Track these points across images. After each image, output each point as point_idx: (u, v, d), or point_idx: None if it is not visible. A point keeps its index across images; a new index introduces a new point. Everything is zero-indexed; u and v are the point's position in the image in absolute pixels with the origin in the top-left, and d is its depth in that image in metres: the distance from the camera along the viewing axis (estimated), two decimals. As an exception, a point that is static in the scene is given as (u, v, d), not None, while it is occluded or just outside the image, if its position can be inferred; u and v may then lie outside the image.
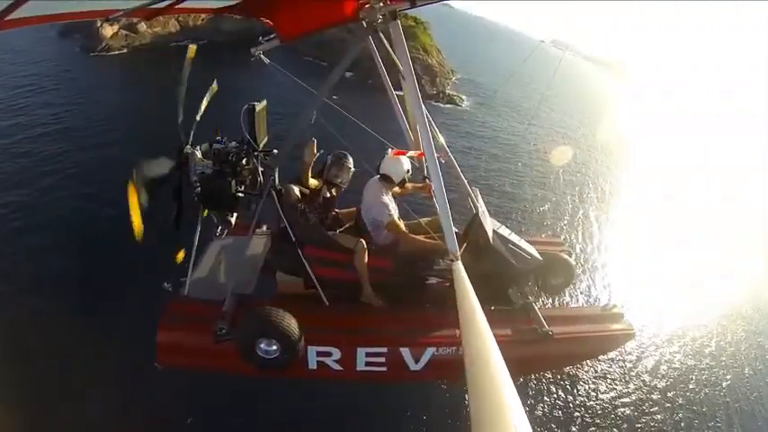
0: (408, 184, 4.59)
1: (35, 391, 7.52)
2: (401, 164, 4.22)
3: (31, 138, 16.21)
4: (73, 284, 10.02)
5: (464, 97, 33.49)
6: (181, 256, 3.95)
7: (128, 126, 18.20)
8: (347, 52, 3.67)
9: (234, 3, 3.34)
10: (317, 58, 30.89)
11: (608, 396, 9.85)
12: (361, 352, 3.73)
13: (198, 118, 3.86)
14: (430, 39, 34.46)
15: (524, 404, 1.09)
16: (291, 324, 3.43)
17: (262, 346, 3.49)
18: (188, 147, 3.74)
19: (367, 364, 3.77)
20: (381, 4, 3.33)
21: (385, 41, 3.83)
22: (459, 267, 2.52)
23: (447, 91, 32.99)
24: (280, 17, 3.53)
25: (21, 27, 2.32)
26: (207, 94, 4.00)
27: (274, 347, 3.48)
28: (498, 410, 1.11)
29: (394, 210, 4.12)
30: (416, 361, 3.76)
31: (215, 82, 4.09)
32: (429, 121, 3.58)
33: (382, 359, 3.76)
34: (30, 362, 7.96)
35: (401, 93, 4.26)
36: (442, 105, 30.65)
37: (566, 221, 18.67)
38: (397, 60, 3.58)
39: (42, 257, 10.67)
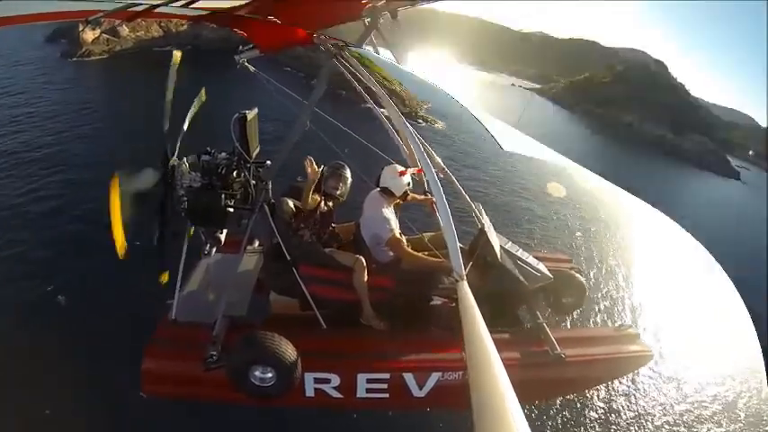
0: (409, 195, 4.37)
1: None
2: (401, 176, 4.02)
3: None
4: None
5: (438, 120, 33.21)
6: (165, 278, 3.66)
7: (84, 129, 18.45)
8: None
9: (210, 11, 3.19)
10: (294, 69, 32.00)
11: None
12: (361, 378, 3.51)
13: (185, 127, 3.63)
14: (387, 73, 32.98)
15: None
16: (288, 350, 3.21)
17: (256, 373, 3.27)
18: (174, 158, 3.48)
19: (368, 390, 3.55)
20: (383, 2, 3.26)
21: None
22: (465, 287, 2.35)
23: (420, 113, 33.18)
24: (280, 18, 3.34)
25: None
26: (195, 103, 3.80)
27: (269, 375, 3.26)
28: None
29: (395, 224, 3.90)
30: (421, 387, 3.55)
31: (203, 90, 3.88)
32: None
33: (384, 385, 3.55)
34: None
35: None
36: (415, 123, 30.16)
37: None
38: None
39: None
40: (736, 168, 67.64)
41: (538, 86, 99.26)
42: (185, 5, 2.82)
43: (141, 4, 2.39)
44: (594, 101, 78.20)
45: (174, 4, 2.65)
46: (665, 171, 47.13)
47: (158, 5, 2.41)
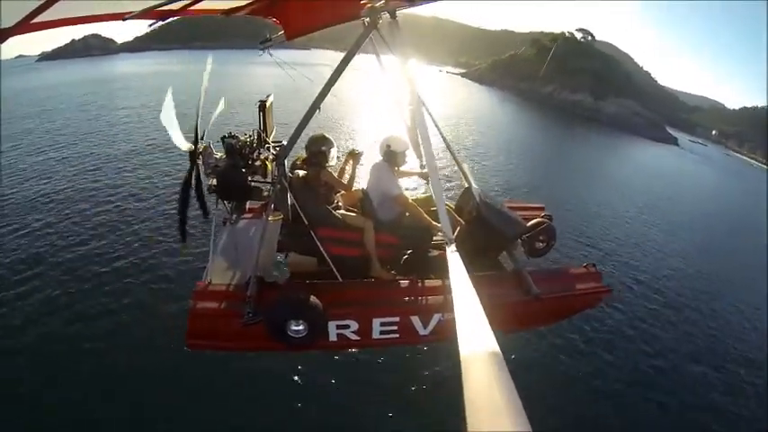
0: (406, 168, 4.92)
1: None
2: (400, 137, 4.55)
3: None
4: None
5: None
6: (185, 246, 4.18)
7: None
8: (351, 48, 3.86)
9: (244, 3, 3.61)
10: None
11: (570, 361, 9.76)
12: (376, 322, 4.04)
13: (213, 119, 4.11)
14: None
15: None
16: (316, 304, 3.76)
17: (291, 326, 3.80)
18: (201, 142, 3.94)
19: (381, 332, 4.09)
20: (382, 2, 3.63)
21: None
22: (453, 251, 2.40)
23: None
24: (287, 17, 3.80)
25: (43, 30, 2.48)
26: (220, 103, 4.33)
27: (301, 327, 3.81)
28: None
29: (400, 185, 4.42)
30: (425, 326, 4.10)
31: (223, 100, 4.42)
32: (428, 112, 3.96)
33: (395, 327, 4.09)
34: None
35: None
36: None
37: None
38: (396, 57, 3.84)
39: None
40: (673, 135, 72.61)
41: (463, 71, 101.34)
42: (188, 5, 3.24)
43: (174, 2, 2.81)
44: (519, 76, 79.73)
45: (175, 5, 3.07)
46: (590, 136, 50.43)
47: (160, 5, 2.82)
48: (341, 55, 3.94)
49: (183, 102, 4.03)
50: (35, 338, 7.96)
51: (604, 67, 79.22)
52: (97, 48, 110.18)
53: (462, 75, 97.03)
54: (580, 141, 45.54)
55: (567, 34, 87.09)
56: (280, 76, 4.94)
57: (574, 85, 71.69)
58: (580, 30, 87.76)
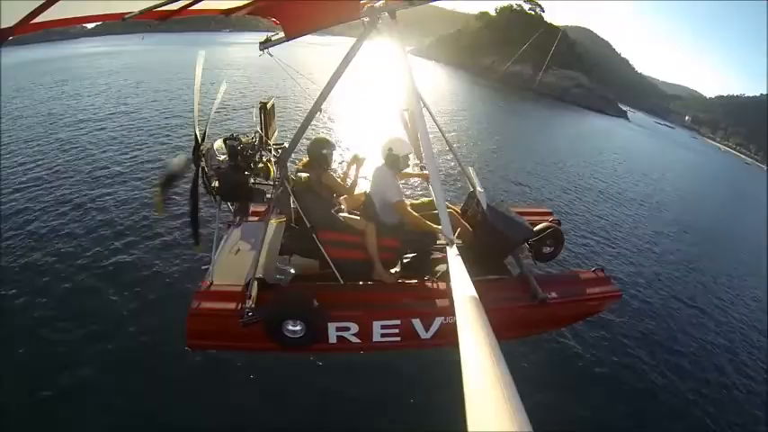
0: (408, 170, 4.87)
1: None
2: (402, 140, 4.51)
3: None
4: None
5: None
6: (198, 249, 4.19)
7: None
8: (351, 50, 3.83)
9: (244, 3, 3.61)
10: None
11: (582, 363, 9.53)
12: (376, 325, 4.00)
13: (212, 115, 4.07)
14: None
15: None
16: (313, 305, 3.75)
17: (288, 327, 3.80)
18: (204, 144, 3.95)
19: (382, 335, 4.04)
20: (382, 2, 3.60)
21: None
22: (454, 252, 2.38)
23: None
24: (287, 17, 3.78)
25: (42, 30, 2.50)
26: (219, 92, 4.23)
27: (299, 327, 3.81)
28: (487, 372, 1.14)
29: (401, 191, 4.37)
30: (427, 330, 4.04)
31: (224, 81, 4.34)
32: (428, 111, 3.87)
33: (396, 330, 4.04)
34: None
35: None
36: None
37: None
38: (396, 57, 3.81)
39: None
40: (622, 109, 76.94)
41: (411, 47, 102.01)
42: (188, 5, 3.24)
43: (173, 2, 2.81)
44: (462, 50, 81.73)
45: (175, 5, 3.06)
46: (538, 110, 52.09)
47: (160, 5, 2.81)
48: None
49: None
50: (34, 331, 7.93)
51: (549, 40, 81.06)
52: (56, 33, 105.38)
53: (410, 51, 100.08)
54: (509, 109, 47.19)
55: (515, 6, 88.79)
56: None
57: (516, 57, 72.39)
58: (528, 1, 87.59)
